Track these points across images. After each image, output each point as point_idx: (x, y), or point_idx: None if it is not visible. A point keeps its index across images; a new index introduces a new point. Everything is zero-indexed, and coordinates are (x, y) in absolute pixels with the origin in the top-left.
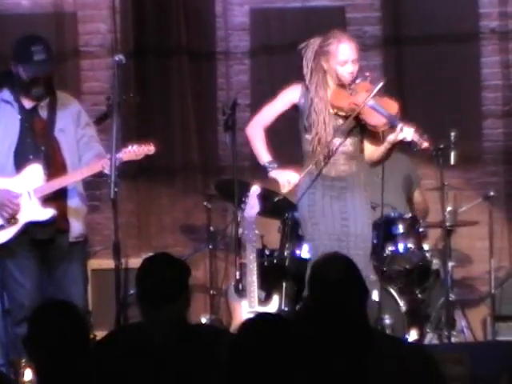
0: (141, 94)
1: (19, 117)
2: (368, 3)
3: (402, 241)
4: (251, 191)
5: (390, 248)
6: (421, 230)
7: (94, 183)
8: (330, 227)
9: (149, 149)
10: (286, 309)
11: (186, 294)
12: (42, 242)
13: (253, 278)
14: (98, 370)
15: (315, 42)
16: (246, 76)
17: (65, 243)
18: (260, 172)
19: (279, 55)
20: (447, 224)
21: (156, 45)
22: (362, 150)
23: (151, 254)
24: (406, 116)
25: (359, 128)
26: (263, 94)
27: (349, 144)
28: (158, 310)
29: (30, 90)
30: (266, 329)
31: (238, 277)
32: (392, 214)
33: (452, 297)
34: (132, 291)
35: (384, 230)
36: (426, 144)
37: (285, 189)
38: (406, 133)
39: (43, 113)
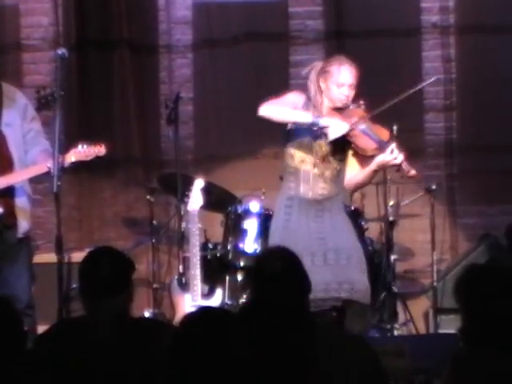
0: (82, 87)
1: None
2: None
3: None
4: (195, 185)
5: None
6: (362, 223)
7: (35, 177)
8: (302, 243)
9: (99, 150)
10: (229, 302)
11: (129, 288)
12: None
13: (196, 272)
14: (40, 364)
15: (318, 65)
16: (189, 69)
17: (13, 239)
18: (203, 165)
19: (222, 49)
20: (389, 217)
21: (98, 38)
22: (339, 175)
23: (93, 247)
24: None
25: (344, 152)
26: (206, 88)
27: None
28: (100, 304)
29: None
30: (208, 322)
31: (181, 270)
32: None
33: (394, 290)
34: (74, 285)
35: None
36: (413, 172)
37: (334, 135)
38: (396, 155)
39: None
